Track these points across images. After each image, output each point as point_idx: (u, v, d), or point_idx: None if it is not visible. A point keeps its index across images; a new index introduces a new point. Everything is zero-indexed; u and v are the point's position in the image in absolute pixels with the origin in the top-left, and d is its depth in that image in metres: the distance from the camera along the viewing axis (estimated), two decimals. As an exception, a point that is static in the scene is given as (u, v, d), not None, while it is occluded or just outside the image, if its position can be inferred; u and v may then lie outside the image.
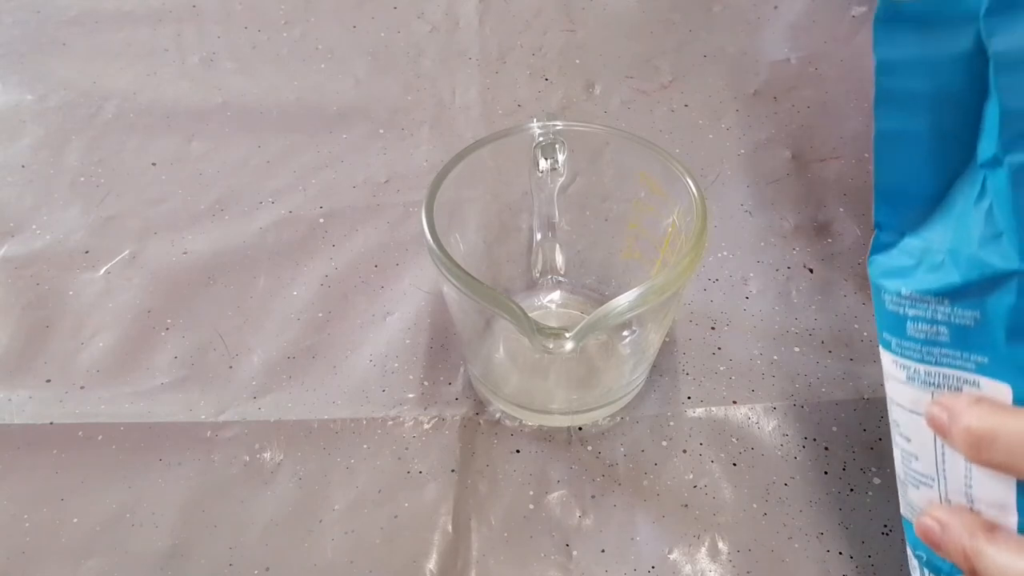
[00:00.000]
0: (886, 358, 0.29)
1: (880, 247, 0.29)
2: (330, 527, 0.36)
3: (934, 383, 0.27)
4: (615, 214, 0.42)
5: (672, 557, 0.35)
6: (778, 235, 0.47)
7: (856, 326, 0.43)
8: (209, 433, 0.39)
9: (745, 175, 0.50)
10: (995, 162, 0.25)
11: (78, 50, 0.59)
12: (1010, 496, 0.26)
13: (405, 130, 0.53)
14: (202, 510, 0.37)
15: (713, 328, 0.43)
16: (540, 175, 0.39)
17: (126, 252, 0.47)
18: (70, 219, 0.48)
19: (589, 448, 0.39)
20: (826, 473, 0.38)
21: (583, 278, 0.43)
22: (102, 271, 0.46)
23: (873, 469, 0.38)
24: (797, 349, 0.42)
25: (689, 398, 0.40)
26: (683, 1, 0.62)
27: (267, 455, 0.39)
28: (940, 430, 0.27)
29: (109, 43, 0.59)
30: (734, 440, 0.39)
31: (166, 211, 0.49)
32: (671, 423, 0.40)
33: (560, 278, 0.43)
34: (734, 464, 0.38)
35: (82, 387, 0.41)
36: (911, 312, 0.27)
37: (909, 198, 0.27)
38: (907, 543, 0.31)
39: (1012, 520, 0.26)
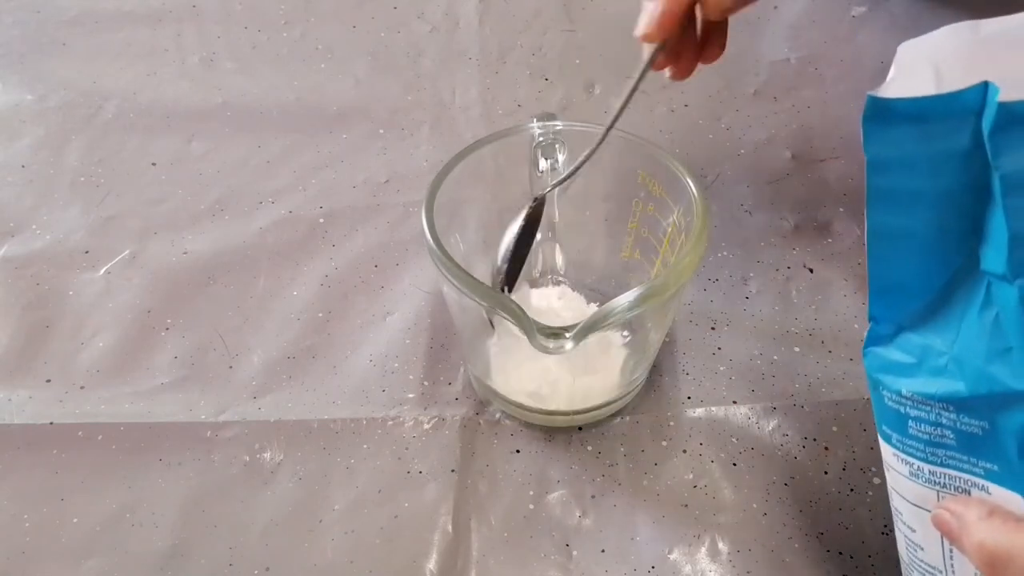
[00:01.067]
0: (886, 450, 0.28)
1: (876, 339, 0.28)
2: (330, 527, 0.36)
3: (940, 483, 0.27)
4: (615, 214, 0.42)
5: (672, 557, 0.35)
6: (778, 235, 0.47)
7: (856, 326, 0.43)
8: (209, 433, 0.39)
9: (745, 175, 0.50)
10: (1004, 279, 0.24)
11: (78, 50, 0.59)
12: None
13: (405, 130, 0.53)
14: (202, 510, 0.37)
15: (713, 328, 0.43)
16: (540, 175, 0.39)
17: (126, 252, 0.47)
18: (70, 219, 0.48)
19: (589, 448, 0.39)
20: (826, 473, 0.38)
21: (583, 278, 0.43)
22: (102, 271, 0.46)
23: (873, 469, 0.38)
24: (797, 349, 0.42)
25: (689, 398, 0.40)
26: (683, 1, 0.62)
27: (267, 455, 0.39)
28: (949, 536, 0.26)
29: (109, 43, 0.59)
30: (734, 440, 0.39)
31: (166, 211, 0.49)
32: (671, 423, 0.40)
33: (560, 278, 0.43)
34: (734, 464, 0.38)
35: (82, 387, 0.41)
36: (913, 412, 0.26)
37: (906, 294, 0.26)
38: None
39: None
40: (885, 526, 0.36)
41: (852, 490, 0.37)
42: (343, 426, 0.39)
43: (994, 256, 0.24)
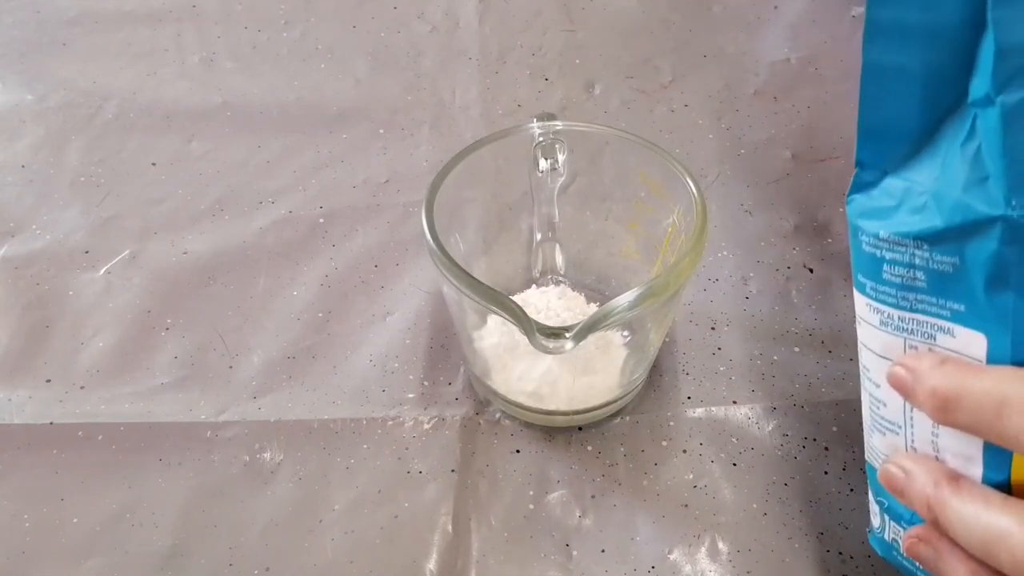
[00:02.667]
0: (860, 301, 0.28)
1: (860, 186, 0.28)
2: (330, 527, 0.36)
3: (908, 329, 0.27)
4: (615, 214, 0.42)
5: (672, 557, 0.35)
6: (778, 235, 0.47)
7: (856, 326, 0.43)
8: (209, 433, 0.39)
9: (745, 175, 0.50)
10: (987, 101, 0.24)
11: (78, 50, 0.59)
12: (976, 448, 0.25)
13: (405, 130, 0.53)
14: (202, 510, 0.37)
15: (713, 328, 0.43)
16: (540, 175, 0.39)
17: (126, 252, 0.47)
18: (70, 219, 0.48)
19: (589, 448, 0.39)
20: (826, 473, 0.38)
21: (583, 278, 0.43)
22: (102, 271, 0.46)
23: (873, 469, 0.38)
24: (797, 349, 0.42)
25: (689, 398, 0.40)
26: (683, 1, 0.62)
27: (267, 455, 0.39)
28: (904, 391, 0.26)
29: (109, 43, 0.59)
30: (734, 440, 0.39)
31: (166, 211, 0.49)
32: (671, 423, 0.40)
33: (560, 278, 0.43)
34: (734, 464, 0.38)
35: (82, 387, 0.41)
36: (888, 255, 0.27)
37: (894, 136, 0.26)
38: (869, 488, 0.31)
39: (977, 472, 0.26)
40: (885, 526, 0.36)
41: (852, 490, 0.37)
42: (343, 426, 0.39)
43: (980, 82, 0.24)
